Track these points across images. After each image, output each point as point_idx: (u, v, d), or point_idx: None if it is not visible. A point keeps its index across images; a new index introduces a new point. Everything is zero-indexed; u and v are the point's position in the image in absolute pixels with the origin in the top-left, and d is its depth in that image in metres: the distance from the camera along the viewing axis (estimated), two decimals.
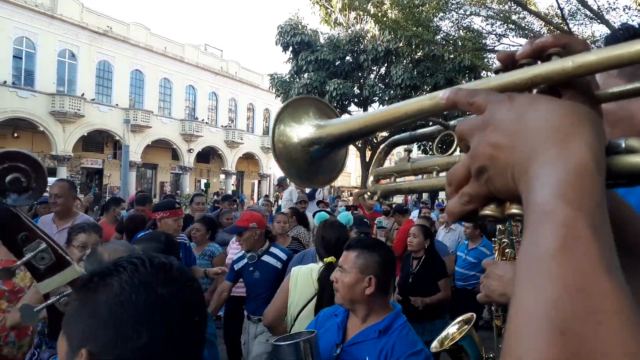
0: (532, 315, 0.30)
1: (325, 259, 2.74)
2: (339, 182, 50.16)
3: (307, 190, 10.08)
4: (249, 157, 39.47)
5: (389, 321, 1.86)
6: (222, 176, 37.66)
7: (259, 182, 41.47)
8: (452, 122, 0.62)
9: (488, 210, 0.43)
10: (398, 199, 16.25)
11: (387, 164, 0.76)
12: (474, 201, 0.43)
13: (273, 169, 40.98)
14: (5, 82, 23.64)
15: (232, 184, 37.57)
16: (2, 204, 1.14)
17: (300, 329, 2.24)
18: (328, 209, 8.67)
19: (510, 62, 0.49)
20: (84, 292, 0.70)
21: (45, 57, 25.48)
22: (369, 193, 0.84)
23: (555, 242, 0.31)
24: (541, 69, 0.44)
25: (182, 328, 0.68)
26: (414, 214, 9.68)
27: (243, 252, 3.89)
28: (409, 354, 1.76)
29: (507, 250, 1.38)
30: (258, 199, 29.81)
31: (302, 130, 0.72)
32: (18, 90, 24.36)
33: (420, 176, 0.67)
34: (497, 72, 0.49)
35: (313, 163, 0.73)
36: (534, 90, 0.45)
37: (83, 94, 26.82)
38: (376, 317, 1.88)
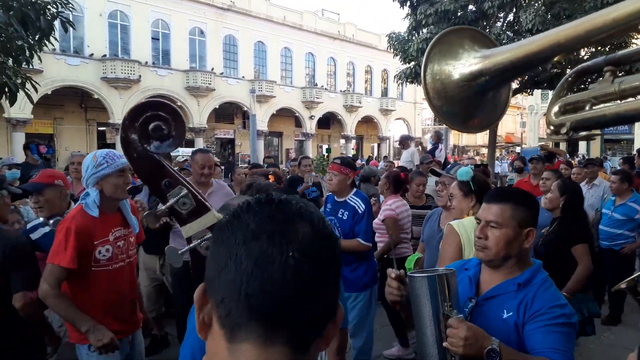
0: None
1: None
2: (463, 140, 48.07)
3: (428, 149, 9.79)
4: (367, 121, 39.40)
5: (530, 275, 1.72)
6: (342, 141, 38.15)
7: (379, 145, 41.31)
8: None
9: None
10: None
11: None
12: None
13: (392, 131, 40.49)
14: (146, 62, 26.13)
15: (352, 148, 37.93)
16: (146, 151, 1.20)
17: None
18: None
19: None
20: (215, 233, 0.71)
21: (178, 36, 27.62)
22: (552, 127, 0.72)
23: None
24: None
25: (272, 265, 0.63)
26: None
27: None
28: (551, 306, 1.61)
29: None
30: (378, 161, 29.83)
31: (462, 64, 0.62)
32: (157, 69, 26.82)
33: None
34: None
35: (471, 102, 0.63)
36: None
37: (213, 69, 28.69)
38: (516, 271, 1.74)
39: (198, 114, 28.28)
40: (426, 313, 1.58)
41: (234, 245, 0.64)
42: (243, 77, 30.61)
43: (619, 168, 7.55)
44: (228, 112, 32.13)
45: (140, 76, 25.38)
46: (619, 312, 5.40)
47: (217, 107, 29.56)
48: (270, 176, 3.86)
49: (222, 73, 29.49)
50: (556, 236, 3.80)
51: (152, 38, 26.86)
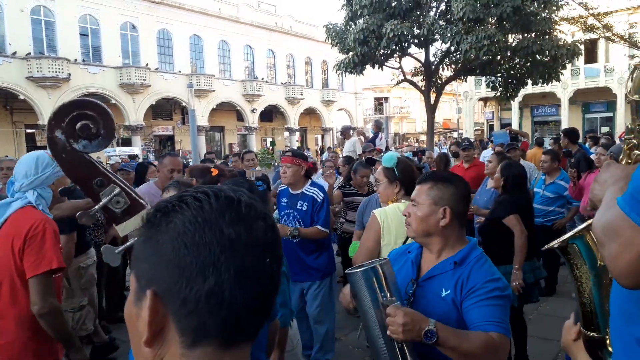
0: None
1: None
2: (403, 129, 49.25)
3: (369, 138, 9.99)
4: (310, 112, 39.53)
5: (465, 253, 1.80)
6: (286, 133, 38.12)
7: (322, 137, 41.61)
8: None
9: None
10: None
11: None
12: None
13: (335, 122, 40.87)
14: (75, 60, 24.89)
15: (297, 140, 38.01)
16: (74, 150, 1.17)
17: None
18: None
19: None
20: (147, 228, 0.65)
21: (108, 32, 26.49)
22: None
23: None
24: None
25: (252, 271, 0.63)
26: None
27: None
28: (485, 281, 1.70)
29: (634, 152, 1.21)
30: (321, 153, 30.03)
31: None
32: (88, 66, 25.62)
33: None
34: None
35: None
36: None
37: (147, 64, 27.76)
38: (451, 250, 1.82)
39: (134, 111, 27.30)
40: (367, 305, 1.64)
41: (208, 253, 0.61)
42: (180, 71, 29.82)
43: (548, 148, 8.01)
44: (166, 108, 31.25)
45: (69, 74, 24.16)
46: (554, 283, 5.77)
47: (154, 103, 28.66)
48: (213, 170, 3.80)
49: (157, 68, 28.61)
50: (492, 213, 4.07)
51: (81, 34, 25.60)
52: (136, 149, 25.72)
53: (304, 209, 3.78)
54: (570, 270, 1.30)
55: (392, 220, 2.71)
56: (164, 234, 0.62)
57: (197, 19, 30.58)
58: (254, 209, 0.66)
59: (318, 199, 3.79)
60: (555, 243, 1.29)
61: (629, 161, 1.19)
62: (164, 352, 0.63)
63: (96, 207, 1.22)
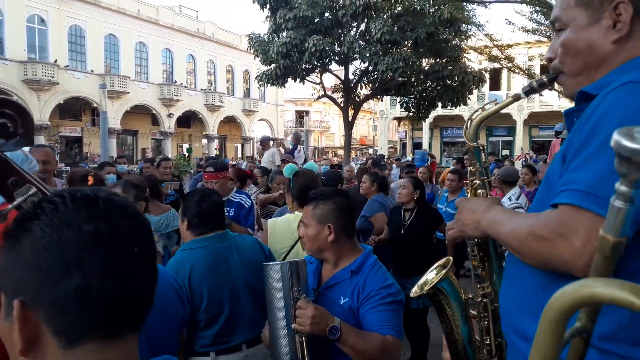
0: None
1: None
2: (322, 142, 50.12)
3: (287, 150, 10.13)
4: (230, 121, 39.06)
5: (360, 261, 1.94)
6: (205, 140, 37.31)
7: (242, 146, 41.22)
8: None
9: None
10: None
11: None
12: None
13: (255, 132, 40.69)
14: None
15: (215, 148, 37.33)
16: None
17: None
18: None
19: None
20: (6, 240, 0.65)
21: (13, 23, 24.53)
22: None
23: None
24: None
25: (119, 262, 0.64)
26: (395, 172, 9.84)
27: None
28: (379, 287, 1.84)
29: (479, 191, 1.41)
30: (241, 161, 29.70)
31: None
32: None
33: None
34: None
35: None
36: None
37: (56, 61, 26.03)
38: (347, 260, 1.95)
39: (38, 109, 25.38)
40: (278, 297, 1.77)
41: (69, 251, 0.61)
42: (92, 71, 28.28)
43: (452, 167, 8.61)
44: (75, 108, 29.40)
45: None
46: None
47: (62, 102, 26.90)
48: (89, 177, 3.61)
49: (67, 66, 26.91)
50: (416, 224, 4.38)
51: None
52: (26, 149, 23.77)
53: (230, 214, 3.93)
54: (441, 313, 1.40)
55: (278, 230, 2.92)
56: (23, 242, 0.63)
57: (113, 18, 29.26)
58: (113, 203, 0.67)
59: (245, 205, 4.05)
60: (423, 292, 1.40)
61: None
62: (42, 358, 0.63)
63: (9, 207, 1.20)
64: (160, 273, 1.95)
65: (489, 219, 1.19)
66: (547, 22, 14.17)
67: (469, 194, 1.42)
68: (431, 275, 1.46)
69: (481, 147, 1.41)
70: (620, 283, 0.34)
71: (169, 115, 32.86)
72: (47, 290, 0.61)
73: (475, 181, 1.40)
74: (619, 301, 0.34)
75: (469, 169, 1.43)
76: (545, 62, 1.26)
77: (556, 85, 1.23)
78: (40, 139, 25.24)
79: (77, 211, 0.63)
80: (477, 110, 1.39)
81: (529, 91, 1.29)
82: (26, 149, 2.72)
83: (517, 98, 1.30)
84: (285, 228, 2.86)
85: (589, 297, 0.36)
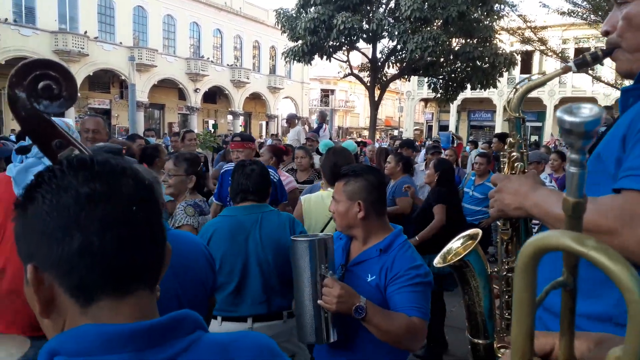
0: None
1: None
2: (347, 122, 49.84)
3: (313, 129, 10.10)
4: (256, 98, 39.08)
5: (389, 240, 1.94)
6: (230, 117, 37.46)
7: (267, 124, 41.27)
8: None
9: None
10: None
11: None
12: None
13: (280, 110, 40.68)
14: (6, 19, 23.19)
15: (240, 125, 37.46)
16: (35, 110, 1.18)
17: None
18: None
19: None
20: (16, 209, 0.70)
21: None
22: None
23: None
24: None
25: (118, 222, 0.68)
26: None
27: None
28: (407, 268, 1.84)
29: (516, 164, 1.37)
30: (266, 139, 29.79)
31: None
32: (20, 28, 23.92)
33: None
34: None
35: None
36: None
37: (86, 32, 26.31)
38: (376, 238, 1.95)
39: None
40: (305, 273, 1.79)
41: (68, 214, 0.65)
42: (121, 43, 28.50)
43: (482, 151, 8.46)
44: (104, 81, 29.79)
45: None
46: None
47: (91, 74, 27.21)
48: (123, 149, 3.70)
49: (96, 37, 27.17)
50: (427, 202, 4.52)
51: None
52: (70, 121, 24.30)
53: None
54: (463, 286, 1.39)
55: (313, 206, 2.98)
56: (29, 210, 0.68)
57: None
58: (109, 166, 0.71)
59: (274, 179, 3.89)
60: (449, 263, 1.37)
61: (513, 172, 1.35)
62: (62, 318, 0.68)
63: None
64: (192, 242, 1.98)
65: (533, 202, 1.15)
66: (585, 3, 13.67)
67: (506, 167, 1.38)
68: (456, 245, 1.44)
69: (523, 119, 1.36)
70: (569, 233, 0.41)
71: (196, 90, 33.04)
72: (53, 252, 0.65)
73: (513, 153, 1.36)
74: (563, 247, 0.41)
75: (508, 140, 1.39)
76: (601, 35, 1.21)
77: (607, 62, 1.18)
78: (70, 111, 25.71)
79: (74, 176, 0.68)
80: (523, 80, 1.35)
81: (581, 64, 1.22)
82: (71, 121, 2.74)
83: (567, 70, 1.24)
84: (320, 204, 2.91)
85: (546, 245, 0.43)
